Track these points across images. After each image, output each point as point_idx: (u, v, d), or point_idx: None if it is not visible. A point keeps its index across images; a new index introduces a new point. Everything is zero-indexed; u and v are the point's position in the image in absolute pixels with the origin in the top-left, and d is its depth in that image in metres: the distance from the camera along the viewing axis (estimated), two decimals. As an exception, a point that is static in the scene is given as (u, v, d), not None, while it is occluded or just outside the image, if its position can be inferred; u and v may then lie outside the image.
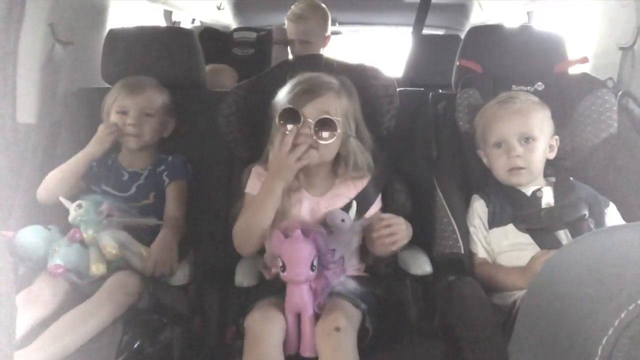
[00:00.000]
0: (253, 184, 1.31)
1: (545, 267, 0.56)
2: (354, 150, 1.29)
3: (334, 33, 2.37)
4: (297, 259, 1.10)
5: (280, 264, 1.11)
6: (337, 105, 1.24)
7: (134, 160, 1.50)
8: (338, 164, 1.31)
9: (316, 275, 1.12)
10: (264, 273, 1.20)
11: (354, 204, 1.28)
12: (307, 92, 1.23)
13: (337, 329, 1.05)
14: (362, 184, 1.32)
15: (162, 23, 2.70)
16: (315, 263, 1.11)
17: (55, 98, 1.63)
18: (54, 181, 1.42)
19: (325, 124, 1.20)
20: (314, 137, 1.20)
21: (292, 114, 1.21)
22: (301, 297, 1.11)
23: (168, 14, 2.72)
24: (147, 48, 1.63)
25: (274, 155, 1.22)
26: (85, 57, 1.81)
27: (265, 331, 1.08)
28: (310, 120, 1.20)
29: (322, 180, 1.32)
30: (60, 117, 1.61)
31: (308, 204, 1.29)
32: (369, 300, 1.21)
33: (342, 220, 1.22)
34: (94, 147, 1.45)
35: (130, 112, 1.47)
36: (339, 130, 1.21)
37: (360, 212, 1.29)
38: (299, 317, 1.12)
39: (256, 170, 1.32)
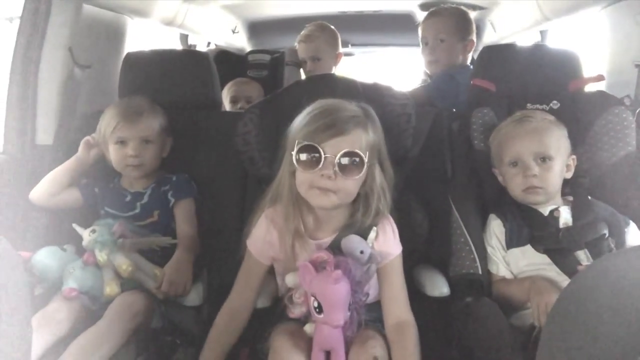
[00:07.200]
0: (255, 239, 1.20)
1: (573, 285, 0.54)
2: (377, 191, 1.15)
3: (346, 54, 2.40)
4: (338, 302, 1.00)
5: (316, 304, 1.02)
6: (364, 141, 1.11)
7: (136, 182, 1.50)
8: (356, 207, 1.17)
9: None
10: (287, 311, 1.09)
11: (373, 230, 1.17)
12: (330, 128, 1.09)
13: (375, 359, 1.03)
14: (382, 227, 1.18)
15: (178, 46, 2.75)
16: (351, 302, 1.03)
17: (72, 120, 1.66)
18: (47, 181, 1.45)
19: (349, 157, 1.08)
20: (337, 175, 1.07)
21: (311, 151, 1.09)
22: (335, 338, 1.04)
23: (184, 38, 2.77)
24: (163, 71, 1.66)
25: None
26: (103, 79, 1.84)
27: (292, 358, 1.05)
28: (330, 155, 1.07)
29: (335, 222, 1.18)
30: (76, 138, 1.64)
31: (313, 252, 1.14)
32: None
33: (361, 252, 1.12)
34: (81, 155, 1.47)
35: (129, 142, 1.43)
36: (366, 164, 1.09)
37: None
38: (327, 352, 1.05)
39: (267, 215, 1.20)
